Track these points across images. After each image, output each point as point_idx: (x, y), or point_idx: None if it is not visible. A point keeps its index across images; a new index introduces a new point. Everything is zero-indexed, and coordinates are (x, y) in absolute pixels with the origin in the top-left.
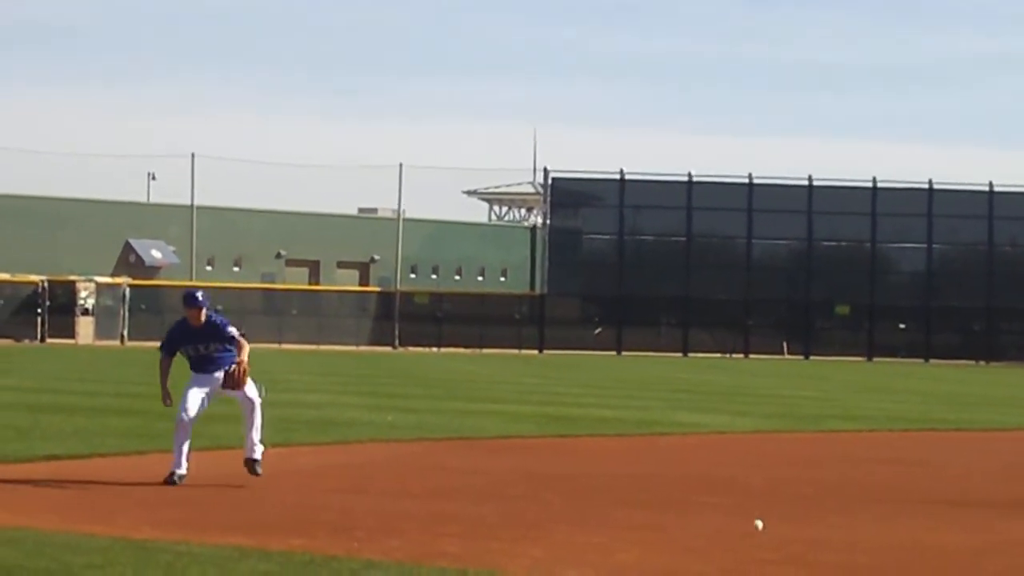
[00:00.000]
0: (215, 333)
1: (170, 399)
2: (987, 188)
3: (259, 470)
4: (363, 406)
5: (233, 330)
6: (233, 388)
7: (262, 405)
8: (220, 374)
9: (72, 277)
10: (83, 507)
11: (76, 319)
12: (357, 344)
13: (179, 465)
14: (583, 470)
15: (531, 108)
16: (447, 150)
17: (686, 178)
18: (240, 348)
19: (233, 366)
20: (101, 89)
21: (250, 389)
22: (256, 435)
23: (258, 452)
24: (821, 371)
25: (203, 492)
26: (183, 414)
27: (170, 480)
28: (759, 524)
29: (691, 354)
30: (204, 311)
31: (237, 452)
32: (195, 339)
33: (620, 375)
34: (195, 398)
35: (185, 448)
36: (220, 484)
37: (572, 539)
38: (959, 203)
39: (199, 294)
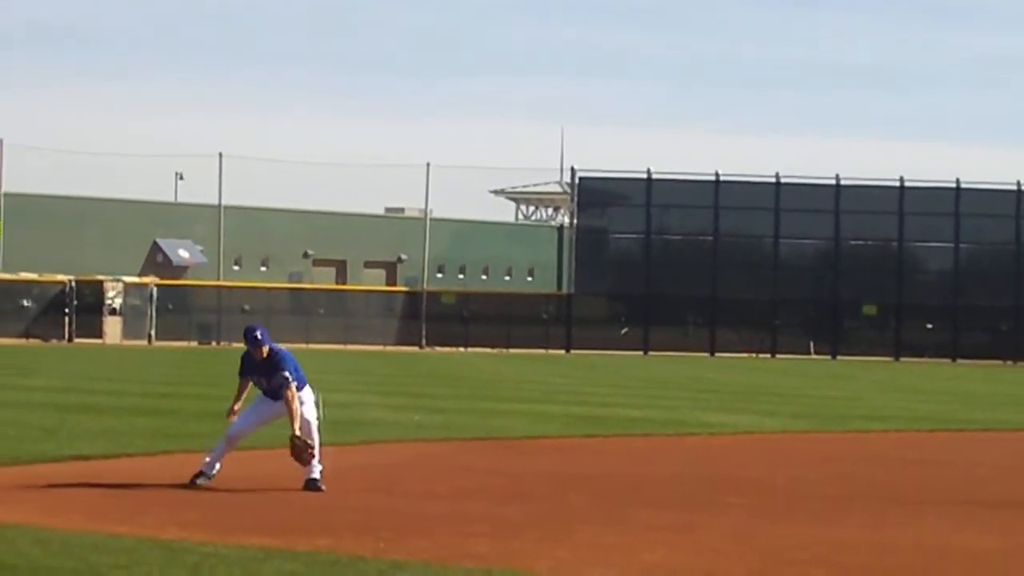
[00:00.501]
0: (276, 368)
1: (233, 415)
2: (1015, 187)
3: (321, 487)
4: (389, 406)
5: (286, 376)
6: (302, 463)
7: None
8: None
9: (100, 277)
10: (110, 507)
11: (104, 319)
12: (384, 344)
13: (211, 467)
14: (609, 470)
15: (558, 107)
16: (474, 149)
17: (713, 177)
18: (291, 411)
19: (293, 441)
20: (130, 88)
21: (308, 410)
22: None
23: (316, 471)
24: (848, 371)
25: (229, 493)
26: (233, 432)
27: (197, 480)
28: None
29: (718, 354)
30: (265, 348)
31: (261, 453)
32: (259, 371)
33: (647, 375)
34: (250, 422)
35: (221, 459)
36: (246, 486)
37: (597, 540)
38: (986, 202)
39: (258, 332)
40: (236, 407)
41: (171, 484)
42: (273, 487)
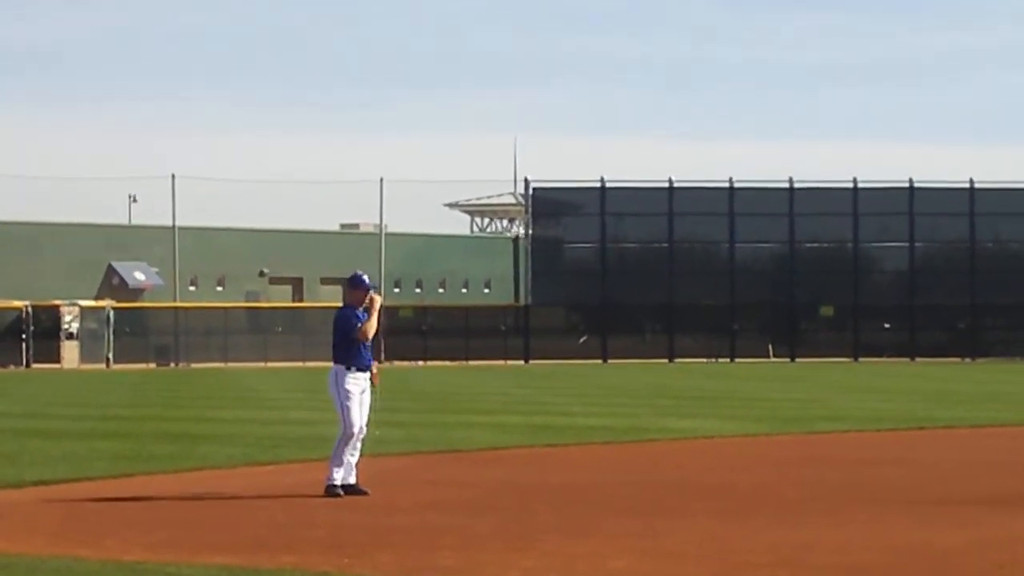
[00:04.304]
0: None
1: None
2: (967, 185)
3: (364, 490)
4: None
5: (374, 295)
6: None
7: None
8: (369, 379)
9: (56, 302)
10: (73, 531)
11: (61, 343)
12: None
13: (350, 475)
14: (572, 479)
15: (510, 118)
16: (428, 163)
17: (667, 184)
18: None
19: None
20: (79, 111)
21: (367, 397)
22: (354, 458)
23: (353, 477)
24: (807, 373)
25: (192, 512)
26: (357, 431)
27: (339, 491)
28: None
29: (677, 360)
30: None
31: (225, 472)
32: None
33: (606, 383)
34: (358, 414)
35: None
36: (209, 504)
37: (563, 548)
38: (940, 201)
39: (366, 276)
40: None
41: (134, 505)
42: (236, 504)
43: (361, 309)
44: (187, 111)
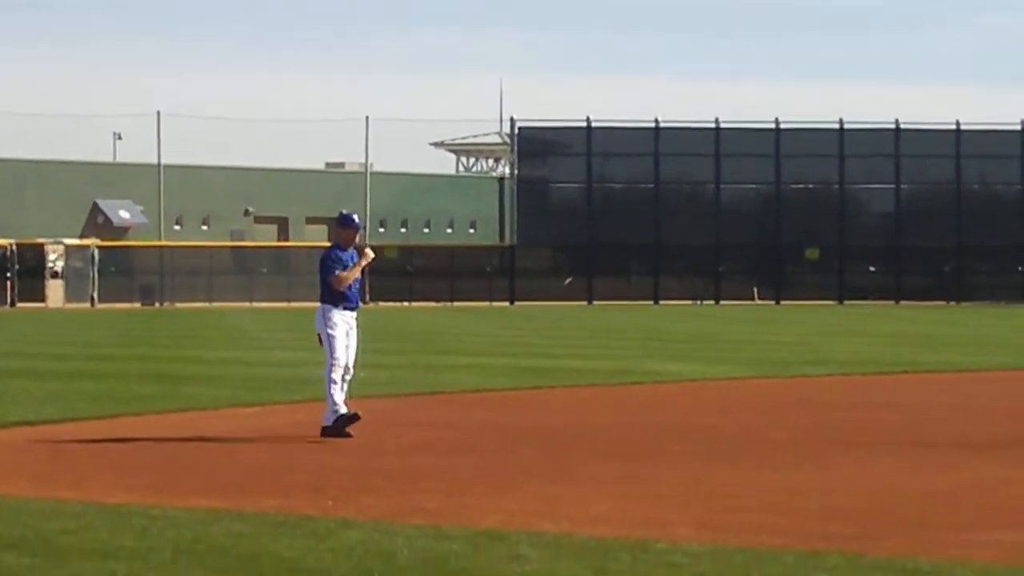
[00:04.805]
0: (359, 249)
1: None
2: (954, 126)
3: (348, 432)
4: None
5: (368, 249)
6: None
7: None
8: (356, 318)
9: (40, 240)
10: (56, 473)
11: (46, 282)
12: None
13: (343, 407)
14: (557, 422)
15: (497, 58)
16: (413, 102)
17: (653, 124)
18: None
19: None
20: (63, 48)
21: (353, 339)
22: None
23: (332, 417)
24: (792, 316)
25: (176, 455)
26: (339, 366)
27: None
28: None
29: (662, 302)
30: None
31: (210, 414)
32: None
33: (592, 325)
34: (344, 347)
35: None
36: (193, 446)
37: (547, 492)
38: (926, 142)
39: (355, 216)
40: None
41: (118, 446)
42: (220, 446)
43: (351, 249)
44: (173, 49)
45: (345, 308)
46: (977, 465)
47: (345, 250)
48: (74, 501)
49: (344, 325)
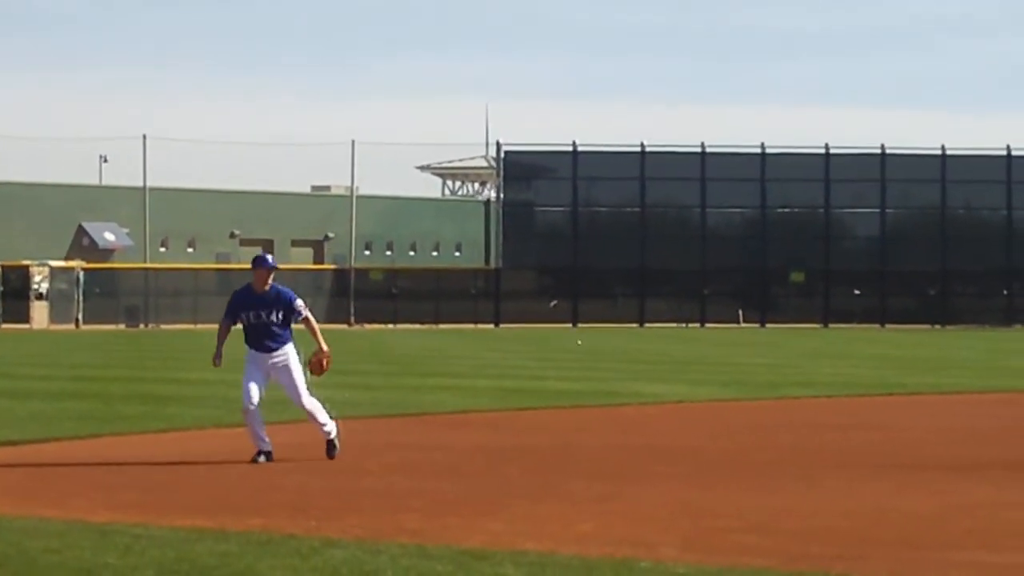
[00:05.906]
0: (278, 300)
1: (220, 360)
2: (939, 151)
3: (334, 450)
4: (319, 384)
5: (300, 303)
6: (316, 374)
7: None
8: (278, 358)
9: (25, 262)
10: (40, 491)
11: (31, 304)
12: None
13: (263, 443)
14: (542, 443)
15: (483, 82)
16: (400, 126)
17: (639, 148)
18: (313, 331)
19: (317, 356)
20: (50, 72)
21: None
22: (322, 418)
23: (333, 432)
24: (777, 339)
25: (160, 474)
26: (248, 405)
27: (258, 459)
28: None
29: (647, 324)
30: (271, 276)
31: (193, 434)
32: (256, 305)
33: (577, 347)
34: (254, 388)
35: (261, 430)
36: (176, 466)
37: (532, 512)
38: (912, 167)
39: (269, 257)
40: (221, 351)
41: (101, 466)
42: (204, 467)
43: (268, 289)
44: (159, 72)
45: (254, 349)
46: (961, 487)
47: (256, 292)
48: (57, 520)
49: (252, 365)
